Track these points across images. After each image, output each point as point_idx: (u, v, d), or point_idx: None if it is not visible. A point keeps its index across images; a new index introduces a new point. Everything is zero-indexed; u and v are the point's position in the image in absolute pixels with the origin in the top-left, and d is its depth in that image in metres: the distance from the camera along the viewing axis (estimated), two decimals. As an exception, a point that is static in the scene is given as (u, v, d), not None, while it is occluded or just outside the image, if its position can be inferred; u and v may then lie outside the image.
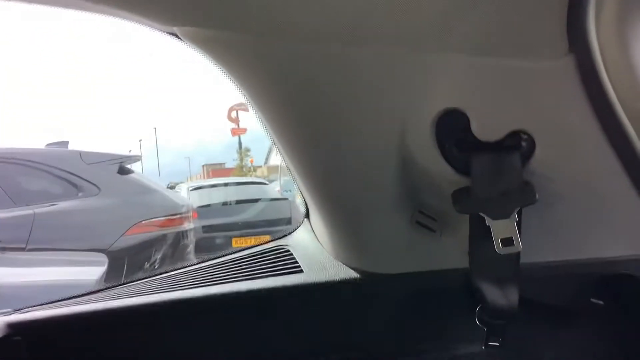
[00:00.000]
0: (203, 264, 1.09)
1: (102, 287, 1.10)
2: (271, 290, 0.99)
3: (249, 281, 1.01)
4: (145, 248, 4.90)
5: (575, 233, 0.89)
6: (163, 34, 0.75)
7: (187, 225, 5.45)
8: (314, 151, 0.83)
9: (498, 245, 0.78)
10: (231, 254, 1.11)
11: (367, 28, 0.68)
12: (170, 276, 1.08)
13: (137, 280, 1.11)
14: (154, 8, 0.69)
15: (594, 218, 0.87)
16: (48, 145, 5.83)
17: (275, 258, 1.07)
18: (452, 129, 0.76)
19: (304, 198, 1.02)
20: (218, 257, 1.10)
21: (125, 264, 4.65)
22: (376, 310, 1.02)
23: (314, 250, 1.06)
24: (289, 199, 8.28)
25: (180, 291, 1.00)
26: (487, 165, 0.78)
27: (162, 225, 5.06)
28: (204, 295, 0.98)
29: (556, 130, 0.74)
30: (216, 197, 8.25)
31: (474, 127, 0.73)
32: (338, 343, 1.05)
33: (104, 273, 2.93)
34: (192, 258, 5.59)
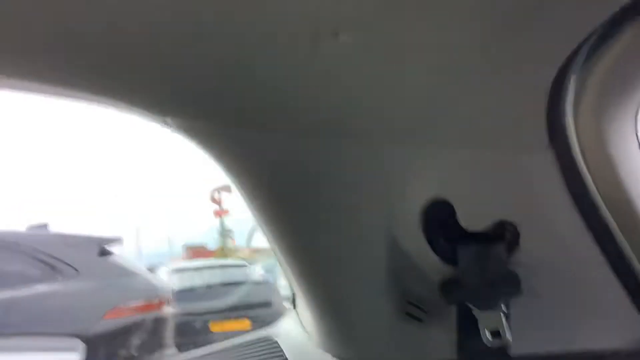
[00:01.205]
0: (188, 357, 1.07)
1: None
2: None
3: None
4: (123, 333, 4.78)
5: (564, 324, 0.87)
6: (155, 123, 0.76)
7: (166, 310, 5.34)
8: (300, 239, 0.83)
9: (486, 337, 0.77)
10: (213, 345, 1.08)
11: (354, 123, 0.71)
12: None
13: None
14: (146, 99, 0.71)
15: (582, 309, 0.86)
16: (29, 228, 5.77)
17: (260, 350, 1.04)
18: (439, 219, 0.77)
19: (290, 285, 1.02)
20: (199, 350, 1.08)
21: (103, 350, 4.53)
22: None
23: (301, 341, 1.03)
24: (269, 281, 8.15)
25: None
26: (473, 256, 0.78)
27: (141, 310, 4.95)
28: None
29: (539, 221, 0.75)
30: (197, 279, 8.13)
31: (459, 217, 0.75)
32: None
33: (79, 360, 2.84)
34: (170, 344, 5.45)
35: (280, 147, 0.74)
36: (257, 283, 8.07)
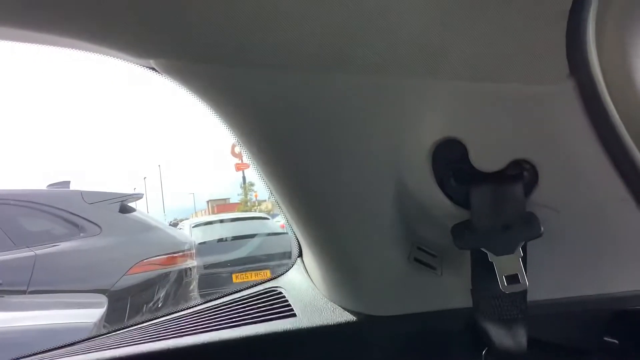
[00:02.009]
0: (194, 309, 1.05)
1: (89, 337, 1.06)
2: (262, 336, 0.94)
3: (239, 327, 0.96)
4: (147, 287, 4.87)
5: (584, 267, 0.84)
6: (140, 67, 0.72)
7: (190, 263, 5.41)
8: (303, 186, 0.79)
9: (503, 283, 0.74)
10: (221, 297, 1.06)
11: (356, 54, 0.65)
12: (159, 323, 1.04)
13: (125, 329, 1.06)
14: (129, 41, 0.67)
15: (605, 249, 0.82)
16: (49, 185, 5.83)
17: (267, 302, 1.02)
18: (450, 160, 0.73)
19: (295, 236, 0.98)
20: (207, 302, 1.05)
21: (128, 304, 4.62)
22: (375, 355, 0.97)
23: (308, 292, 1.01)
24: (288, 232, 8.15)
25: (167, 340, 0.95)
26: (487, 197, 0.74)
27: (164, 264, 5.02)
28: (195, 344, 0.93)
29: (560, 157, 0.71)
30: (218, 233, 8.24)
31: (472, 157, 0.70)
32: None
33: (103, 315, 2.88)
34: (196, 296, 5.55)
35: (276, 84, 0.68)
36: (277, 234, 8.06)
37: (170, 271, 5.09)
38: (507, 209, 0.73)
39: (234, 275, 7.33)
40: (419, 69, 0.66)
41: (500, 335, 0.80)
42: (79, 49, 0.69)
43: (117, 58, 0.70)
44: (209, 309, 1.03)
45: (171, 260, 5.10)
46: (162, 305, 4.91)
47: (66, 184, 5.84)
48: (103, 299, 3.33)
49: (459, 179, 0.75)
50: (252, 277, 7.24)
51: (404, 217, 0.80)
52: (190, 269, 5.39)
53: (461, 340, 0.92)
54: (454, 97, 0.67)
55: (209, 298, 1.07)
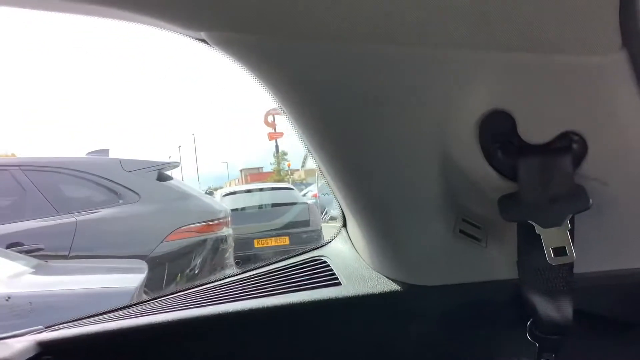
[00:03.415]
0: (237, 277, 1.06)
1: (133, 303, 1.08)
2: (308, 303, 0.95)
3: (285, 295, 0.97)
4: (184, 254, 4.96)
5: (632, 240, 0.83)
6: (191, 39, 0.72)
7: (225, 231, 5.49)
8: (348, 156, 0.79)
9: (550, 255, 0.73)
10: (266, 266, 1.07)
11: (402, 26, 0.64)
12: (201, 290, 1.05)
13: (168, 295, 1.08)
14: (181, 14, 0.67)
15: None
16: (89, 153, 5.94)
17: (311, 270, 1.03)
18: (497, 132, 0.72)
19: (340, 206, 0.98)
20: (252, 270, 1.07)
21: (165, 270, 4.72)
22: (418, 325, 0.97)
23: (352, 261, 1.02)
24: (308, 202, 9.08)
25: (212, 306, 0.97)
26: (535, 169, 0.73)
27: (200, 231, 5.10)
28: (238, 310, 0.95)
29: (609, 129, 0.69)
30: (246, 202, 8.96)
31: (520, 129, 0.69)
32: (380, 358, 1.00)
33: (143, 280, 2.94)
34: (232, 262, 5.63)
35: (325, 57, 0.67)
36: (298, 203, 8.87)
37: (207, 238, 5.18)
38: (555, 181, 0.72)
39: (255, 241, 8.09)
40: (467, 39, 0.64)
41: (545, 307, 0.79)
42: (130, 21, 0.69)
43: (168, 30, 0.70)
44: (252, 277, 1.04)
45: (208, 228, 5.18)
46: (198, 272, 5.01)
47: (105, 152, 5.94)
48: (143, 265, 3.40)
49: (506, 151, 0.74)
50: (272, 242, 8.15)
51: (450, 188, 0.80)
52: (226, 236, 5.47)
53: (505, 311, 0.91)
54: (502, 69, 0.66)
55: (250, 267, 1.08)
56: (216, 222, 5.34)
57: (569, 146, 0.71)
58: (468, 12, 0.62)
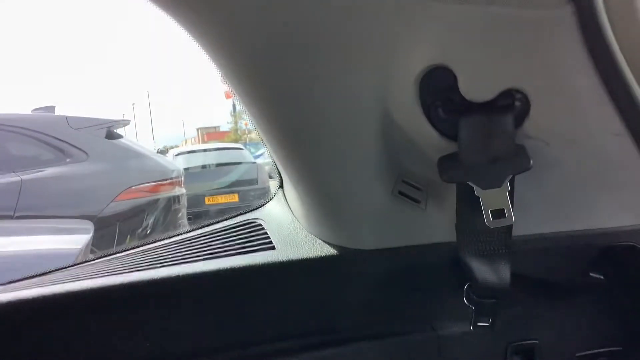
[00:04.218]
0: (170, 240, 1.02)
1: (61, 267, 1.03)
2: (239, 269, 0.91)
3: (218, 260, 0.94)
4: (136, 214, 4.89)
5: (573, 202, 0.82)
6: None
7: (178, 190, 5.41)
8: (282, 113, 0.75)
9: (488, 218, 0.71)
10: (199, 228, 1.03)
11: None
12: (134, 254, 1.01)
13: (101, 258, 1.04)
14: None
15: (594, 185, 0.80)
16: (34, 110, 5.73)
17: (246, 233, 0.99)
18: (438, 89, 0.69)
19: (276, 167, 0.94)
20: (186, 233, 1.03)
21: (117, 230, 4.64)
22: (355, 289, 0.96)
23: (288, 225, 0.99)
24: (256, 162, 9.45)
25: (143, 271, 0.93)
26: (476, 129, 0.70)
27: (152, 191, 5.02)
28: (168, 276, 0.91)
29: (553, 87, 0.67)
30: (195, 162, 9.35)
31: (461, 86, 0.66)
32: (314, 324, 0.98)
33: (88, 241, 2.86)
34: (185, 222, 5.58)
35: (258, 7, 0.63)
36: (246, 163, 9.34)
37: (159, 198, 5.10)
38: (496, 141, 0.70)
39: (206, 198, 8.47)
40: None
41: (483, 270, 0.78)
42: None
43: None
44: (187, 239, 1.01)
45: (159, 188, 5.10)
46: (150, 232, 4.95)
47: (51, 108, 5.74)
48: (89, 225, 3.31)
49: (447, 109, 0.71)
50: (222, 200, 8.56)
51: (389, 149, 0.77)
52: (178, 196, 5.40)
53: (444, 274, 0.90)
54: (443, 22, 0.62)
55: (187, 228, 1.04)
56: (168, 181, 5.26)
57: (512, 104, 0.69)
58: None
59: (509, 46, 0.63)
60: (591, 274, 0.93)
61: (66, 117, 5.01)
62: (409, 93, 0.69)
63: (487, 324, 0.87)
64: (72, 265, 1.06)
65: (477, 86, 0.66)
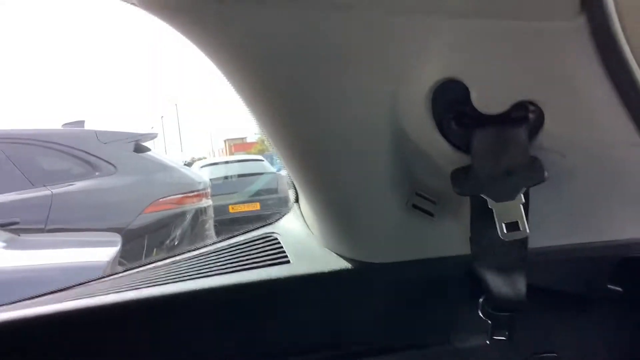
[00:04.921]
0: (188, 255, 1.03)
1: (82, 282, 1.05)
2: (254, 283, 0.92)
3: (234, 274, 0.95)
4: (163, 225, 4.95)
5: (589, 213, 0.81)
6: (123, 2, 0.67)
7: (205, 202, 5.47)
8: (296, 128, 0.75)
9: (502, 231, 0.70)
10: (217, 243, 1.04)
11: None
12: (152, 269, 1.02)
13: (119, 274, 1.05)
14: None
15: (611, 196, 0.78)
16: (65, 125, 5.86)
17: (261, 247, 1.00)
18: (451, 102, 0.68)
19: (292, 181, 0.95)
20: (203, 247, 1.04)
21: (145, 242, 4.70)
22: (371, 302, 0.95)
23: (303, 238, 0.99)
24: (276, 172, 10.01)
25: (160, 286, 0.94)
26: (489, 141, 0.70)
27: (179, 203, 5.09)
28: (186, 291, 0.92)
29: (567, 99, 0.66)
30: (219, 173, 10.02)
31: (474, 99, 0.65)
32: (331, 338, 0.98)
33: (116, 254, 2.91)
34: (212, 233, 5.62)
35: (268, 21, 0.63)
36: (267, 173, 9.96)
37: (186, 210, 5.16)
38: (510, 153, 0.69)
39: (230, 207, 9.01)
40: (420, 5, 0.61)
41: (498, 283, 0.77)
42: None
43: None
44: (204, 254, 1.02)
45: (186, 200, 5.17)
46: (178, 243, 4.99)
47: (81, 123, 5.87)
48: (117, 238, 3.37)
49: (460, 122, 0.71)
50: (245, 208, 9.15)
51: (402, 162, 0.77)
52: (205, 208, 5.46)
53: (459, 287, 0.90)
54: (456, 36, 0.62)
55: (205, 243, 1.05)
56: (195, 193, 5.32)
57: (525, 116, 0.69)
58: None
59: (521, 58, 0.63)
60: (609, 286, 0.92)
61: (95, 132, 5.12)
62: (421, 106, 0.68)
63: (505, 338, 0.86)
64: (92, 280, 1.08)
65: (489, 99, 0.66)
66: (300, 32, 0.63)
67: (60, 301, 0.95)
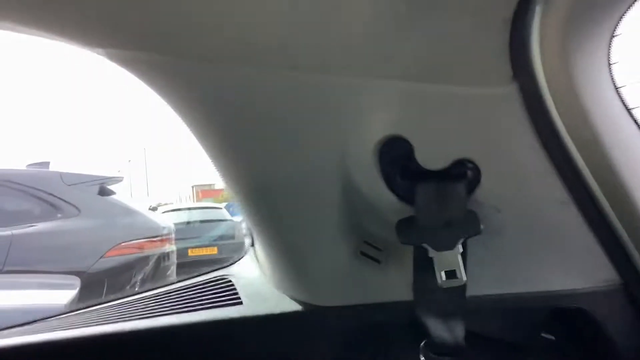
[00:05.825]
0: (146, 294, 1.06)
1: (41, 318, 1.07)
2: (206, 323, 0.95)
3: (190, 313, 0.98)
4: (125, 270, 4.85)
5: (523, 265, 0.86)
6: (96, 54, 0.72)
7: (168, 247, 5.40)
8: (252, 176, 0.80)
9: (441, 278, 0.75)
10: (173, 284, 1.07)
11: (303, 54, 0.66)
12: (110, 307, 1.05)
13: (72, 312, 1.07)
14: (82, 32, 0.67)
15: (543, 249, 0.84)
16: (29, 165, 5.78)
17: (215, 289, 1.03)
18: (396, 157, 0.74)
19: (248, 226, 0.99)
20: (160, 288, 1.07)
21: (105, 286, 4.60)
22: (318, 345, 0.98)
23: (256, 281, 1.02)
24: (233, 220, 10.46)
25: (117, 324, 0.96)
26: (431, 194, 0.75)
27: (142, 247, 5.01)
28: (142, 328, 0.94)
29: (502, 158, 0.72)
30: (180, 218, 10.21)
31: (417, 155, 0.71)
32: None
33: (74, 297, 2.87)
34: (174, 279, 5.51)
35: (223, 79, 0.69)
36: (225, 220, 10.50)
37: (149, 255, 5.08)
38: (450, 206, 0.75)
39: (189, 250, 9.27)
40: (366, 69, 0.67)
41: (438, 329, 0.81)
42: (28, 34, 0.69)
43: (71, 44, 0.70)
44: (161, 294, 1.04)
45: (149, 245, 5.09)
46: (139, 288, 4.88)
47: (46, 164, 5.78)
48: (76, 281, 3.32)
49: (404, 175, 0.76)
50: (203, 252, 9.58)
51: (351, 211, 0.82)
52: (168, 253, 5.39)
53: (401, 332, 0.93)
54: (400, 97, 0.68)
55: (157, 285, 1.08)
56: (158, 238, 5.26)
57: (464, 173, 0.74)
58: (368, 45, 0.64)
59: (460, 120, 0.69)
60: (543, 335, 0.97)
61: (60, 173, 5.06)
62: (369, 160, 0.74)
63: None
64: (51, 317, 1.09)
65: (431, 156, 0.71)
66: (251, 90, 0.69)
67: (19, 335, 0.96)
